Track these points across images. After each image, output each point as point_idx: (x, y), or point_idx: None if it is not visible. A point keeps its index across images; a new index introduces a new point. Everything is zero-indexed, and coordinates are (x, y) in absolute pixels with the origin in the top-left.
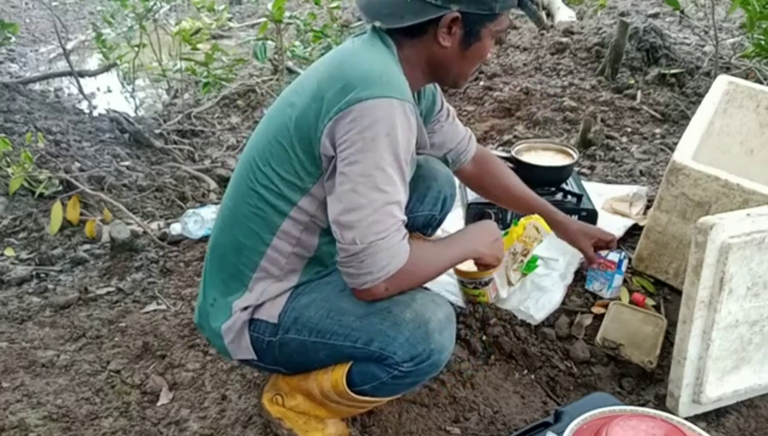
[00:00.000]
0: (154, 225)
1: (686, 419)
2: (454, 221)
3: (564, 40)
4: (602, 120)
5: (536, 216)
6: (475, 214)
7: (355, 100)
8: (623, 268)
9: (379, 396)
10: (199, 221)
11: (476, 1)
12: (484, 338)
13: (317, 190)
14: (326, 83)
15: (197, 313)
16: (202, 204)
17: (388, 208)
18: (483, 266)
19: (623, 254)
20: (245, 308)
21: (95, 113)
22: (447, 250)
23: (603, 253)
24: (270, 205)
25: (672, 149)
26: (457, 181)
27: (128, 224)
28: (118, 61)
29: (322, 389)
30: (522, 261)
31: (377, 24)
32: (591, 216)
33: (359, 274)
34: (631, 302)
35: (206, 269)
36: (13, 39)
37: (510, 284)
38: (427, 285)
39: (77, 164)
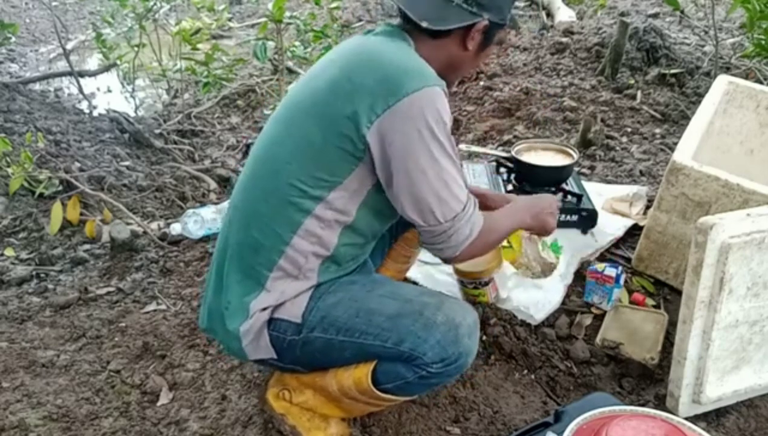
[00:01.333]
0: (154, 225)
1: (686, 419)
2: None
3: (564, 40)
4: (602, 120)
5: None
6: None
7: (402, 95)
8: (621, 281)
9: (401, 395)
10: (199, 221)
11: (499, 11)
12: (484, 338)
13: (350, 183)
14: (361, 79)
15: (205, 317)
16: (202, 204)
17: (456, 184)
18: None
19: (620, 268)
20: (264, 309)
21: (95, 113)
22: (505, 219)
23: (600, 267)
24: (295, 204)
25: (672, 149)
26: None
27: (128, 224)
28: (118, 61)
29: (342, 387)
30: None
31: (424, 24)
32: (591, 216)
33: (448, 247)
34: (631, 301)
35: (216, 270)
36: (13, 39)
37: (549, 265)
38: (425, 284)
39: (77, 164)
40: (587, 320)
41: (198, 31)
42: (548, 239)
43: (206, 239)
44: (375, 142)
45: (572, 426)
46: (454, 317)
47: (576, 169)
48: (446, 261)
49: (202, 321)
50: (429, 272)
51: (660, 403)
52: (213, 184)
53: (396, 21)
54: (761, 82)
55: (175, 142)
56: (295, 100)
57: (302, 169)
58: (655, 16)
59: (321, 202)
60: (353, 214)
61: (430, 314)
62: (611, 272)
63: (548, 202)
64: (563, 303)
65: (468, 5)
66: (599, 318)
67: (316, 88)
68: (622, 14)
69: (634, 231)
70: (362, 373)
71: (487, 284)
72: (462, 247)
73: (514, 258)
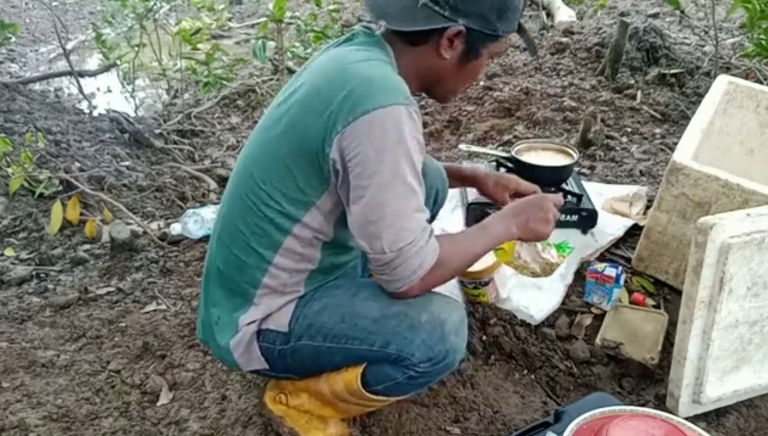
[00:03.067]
0: (154, 225)
1: (686, 419)
2: (454, 221)
3: (564, 40)
4: (602, 120)
5: None
6: (475, 214)
7: (362, 112)
8: (621, 281)
9: (391, 396)
10: (199, 220)
11: (482, 19)
12: (484, 338)
13: (323, 203)
14: (329, 95)
15: (201, 329)
16: (202, 204)
17: (410, 213)
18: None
19: (620, 268)
20: (252, 322)
21: (95, 113)
22: (479, 237)
23: (600, 267)
24: (272, 224)
25: (672, 149)
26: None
27: (128, 224)
28: (118, 61)
29: (334, 390)
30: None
31: (382, 23)
32: (591, 216)
33: (394, 279)
34: (631, 301)
35: (206, 285)
36: (13, 39)
37: (550, 265)
38: None
39: (77, 164)
40: (587, 320)
41: (198, 31)
42: (552, 239)
43: (206, 239)
44: (337, 159)
45: (572, 426)
46: (439, 315)
47: (576, 169)
48: (395, 295)
49: (198, 332)
50: None
51: (660, 403)
52: (213, 184)
53: (379, 26)
54: (761, 82)
55: (175, 142)
56: (270, 115)
57: (275, 190)
58: (655, 16)
59: (298, 222)
60: (331, 233)
61: (415, 314)
62: (611, 272)
63: (539, 207)
64: (563, 303)
65: (439, 7)
66: (599, 318)
67: (290, 103)
68: (622, 14)
69: (634, 231)
70: (352, 376)
71: (487, 284)
72: (410, 281)
73: (509, 260)
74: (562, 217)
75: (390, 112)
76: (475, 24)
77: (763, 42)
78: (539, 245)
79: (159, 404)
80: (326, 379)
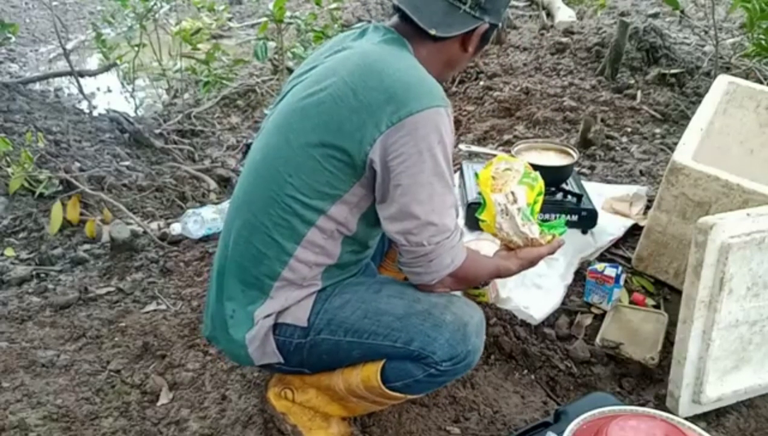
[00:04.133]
0: (154, 225)
1: (686, 419)
2: None
3: (564, 40)
4: (602, 120)
5: (498, 157)
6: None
7: (406, 114)
8: (621, 281)
9: (408, 393)
10: (199, 220)
11: (498, 14)
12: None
13: (350, 197)
14: (367, 96)
15: (209, 325)
16: (202, 204)
17: (448, 209)
18: None
19: (620, 268)
20: (268, 315)
21: (95, 113)
22: (489, 261)
23: (600, 267)
24: (297, 216)
25: (672, 149)
26: (457, 181)
27: (128, 224)
28: (118, 61)
29: (349, 385)
30: (519, 209)
31: (433, 32)
32: (591, 216)
33: (427, 272)
34: (631, 301)
35: (220, 280)
36: (13, 39)
37: (532, 242)
38: None
39: (77, 164)
40: (587, 320)
41: (198, 31)
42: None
43: (206, 238)
44: (376, 158)
45: (572, 426)
46: (462, 316)
47: (576, 169)
48: (422, 287)
49: (205, 329)
50: None
51: (660, 403)
52: (213, 184)
53: (390, 21)
54: (761, 82)
55: (175, 142)
56: (294, 108)
57: (303, 182)
58: (655, 16)
59: (323, 214)
60: (354, 228)
61: (439, 313)
62: (611, 272)
63: (537, 261)
64: (563, 303)
65: (473, 11)
66: (599, 318)
67: (319, 99)
68: (622, 14)
69: (634, 231)
70: (371, 371)
71: (487, 283)
72: (441, 274)
73: (492, 232)
74: (563, 217)
75: (432, 113)
76: (494, 19)
77: (763, 42)
78: (519, 220)
79: (159, 404)
80: (341, 374)
